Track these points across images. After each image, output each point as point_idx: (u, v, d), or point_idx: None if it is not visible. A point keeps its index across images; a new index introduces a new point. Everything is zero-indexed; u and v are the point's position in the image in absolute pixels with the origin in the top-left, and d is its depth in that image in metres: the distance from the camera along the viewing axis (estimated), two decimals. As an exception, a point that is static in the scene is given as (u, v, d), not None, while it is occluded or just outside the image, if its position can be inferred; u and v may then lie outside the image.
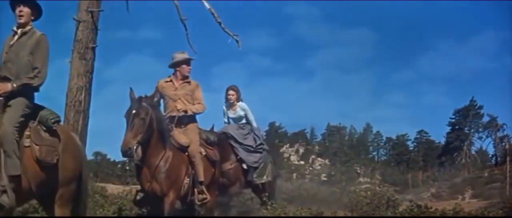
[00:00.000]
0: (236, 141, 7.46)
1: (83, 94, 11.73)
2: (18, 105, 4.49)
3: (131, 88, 5.95)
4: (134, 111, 5.64)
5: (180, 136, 6.27)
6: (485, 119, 38.04)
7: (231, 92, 7.65)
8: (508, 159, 26.50)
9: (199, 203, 6.29)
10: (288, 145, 46.57)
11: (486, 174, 29.90)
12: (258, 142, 7.64)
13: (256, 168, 7.57)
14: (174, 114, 6.43)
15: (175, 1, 11.29)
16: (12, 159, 4.28)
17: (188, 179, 6.15)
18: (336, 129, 46.85)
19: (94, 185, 10.46)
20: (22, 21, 4.40)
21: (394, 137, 44.25)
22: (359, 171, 41.86)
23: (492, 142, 35.95)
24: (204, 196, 6.23)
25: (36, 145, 4.43)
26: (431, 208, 7.70)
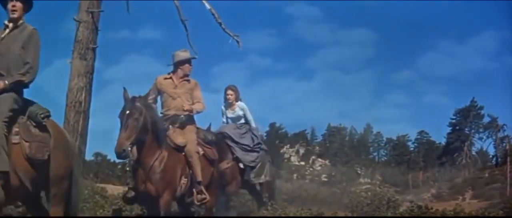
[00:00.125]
0: (232, 140, 7.44)
1: (83, 95, 11.74)
2: (6, 99, 4.37)
3: (124, 88, 5.90)
4: (127, 112, 5.59)
5: (176, 135, 6.20)
6: (486, 120, 38.01)
7: (229, 92, 7.63)
8: (508, 159, 26.48)
9: (198, 203, 6.25)
10: (288, 145, 46.56)
11: (486, 175, 29.89)
12: (256, 141, 7.60)
13: (253, 167, 7.55)
14: (179, 113, 6.40)
15: (175, 2, 11.29)
16: (1, 154, 4.16)
17: (185, 179, 6.10)
18: (337, 129, 46.86)
19: (94, 185, 10.45)
20: (15, 16, 4.32)
21: (394, 137, 44.24)
22: (359, 172, 41.85)
23: (493, 143, 35.93)
24: (204, 196, 6.18)
25: (26, 141, 4.31)
26: (431, 208, 7.69)
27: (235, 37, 11.82)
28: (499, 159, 32.95)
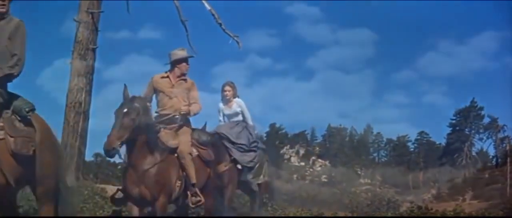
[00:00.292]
0: (229, 141, 7.37)
1: (83, 96, 11.75)
2: None
3: (125, 85, 5.85)
4: (125, 110, 5.53)
5: (168, 137, 6.12)
6: (486, 120, 37.98)
7: (227, 88, 7.57)
8: (508, 160, 26.44)
9: (193, 206, 6.17)
10: (288, 146, 46.51)
11: (486, 175, 29.86)
12: (252, 140, 7.52)
13: (251, 168, 7.47)
14: (175, 113, 6.33)
15: (175, 2, 11.27)
16: None
17: (179, 182, 6.01)
18: (337, 130, 46.84)
19: (94, 186, 10.45)
20: (4, 10, 4.27)
21: (394, 138, 44.22)
22: (359, 172, 41.75)
23: (493, 143, 35.90)
24: (198, 198, 6.09)
25: (11, 137, 4.21)
26: (431, 209, 7.69)
27: (235, 38, 11.83)
28: (499, 160, 32.91)
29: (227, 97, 7.57)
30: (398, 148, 45.77)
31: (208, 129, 7.12)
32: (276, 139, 44.86)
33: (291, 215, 7.84)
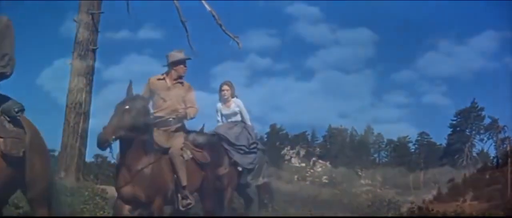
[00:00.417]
0: (228, 142, 7.33)
1: (83, 96, 11.74)
2: None
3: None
4: (127, 107, 5.52)
5: (161, 138, 6.09)
6: (486, 121, 37.96)
7: (225, 87, 7.54)
8: (509, 160, 26.39)
9: (183, 209, 6.12)
10: (289, 147, 46.47)
11: (487, 176, 29.82)
12: (251, 141, 7.50)
13: (251, 170, 7.44)
14: (169, 115, 6.29)
15: (175, 2, 11.26)
16: None
17: (171, 184, 5.98)
18: (337, 130, 46.76)
19: (94, 187, 10.43)
20: None
21: (395, 138, 44.18)
22: (360, 173, 41.73)
23: (493, 144, 35.89)
24: (188, 201, 6.06)
25: (0, 137, 4.17)
26: (432, 210, 7.69)
27: (235, 39, 11.82)
28: (500, 160, 32.87)
29: (225, 97, 7.54)
30: (398, 149, 45.72)
31: (206, 130, 7.09)
32: (276, 139, 44.83)
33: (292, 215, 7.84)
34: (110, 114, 5.59)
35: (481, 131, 38.92)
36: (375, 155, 50.11)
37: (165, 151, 6.09)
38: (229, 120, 7.74)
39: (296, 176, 41.36)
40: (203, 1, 11.61)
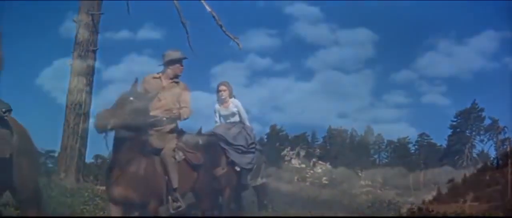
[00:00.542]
0: (226, 142, 7.28)
1: (83, 97, 11.73)
2: None
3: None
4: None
5: (153, 139, 6.04)
6: (487, 122, 37.94)
7: (222, 87, 7.51)
8: (509, 161, 26.39)
9: (173, 211, 6.06)
10: (289, 148, 46.42)
11: (487, 177, 29.79)
12: (250, 141, 7.46)
13: (249, 170, 7.38)
14: (162, 115, 6.23)
15: (175, 3, 11.26)
16: None
17: (165, 186, 5.92)
18: (337, 131, 46.72)
19: (94, 188, 10.44)
20: None
21: (395, 139, 44.17)
22: (360, 174, 41.71)
23: (494, 145, 35.87)
24: (179, 204, 5.99)
25: None
26: (432, 210, 7.68)
27: (236, 40, 11.81)
28: (500, 161, 32.87)
29: (223, 97, 7.51)
30: (398, 150, 45.68)
31: (204, 131, 7.05)
32: (276, 140, 44.81)
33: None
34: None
35: (481, 132, 38.89)
36: (375, 156, 50.12)
37: (158, 152, 6.04)
38: (227, 121, 7.71)
39: (296, 177, 41.32)
40: (203, 2, 11.61)
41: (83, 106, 11.83)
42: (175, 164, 6.19)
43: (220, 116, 7.99)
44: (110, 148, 5.68)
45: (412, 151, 48.17)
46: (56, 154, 13.99)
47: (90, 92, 11.98)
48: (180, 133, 6.60)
